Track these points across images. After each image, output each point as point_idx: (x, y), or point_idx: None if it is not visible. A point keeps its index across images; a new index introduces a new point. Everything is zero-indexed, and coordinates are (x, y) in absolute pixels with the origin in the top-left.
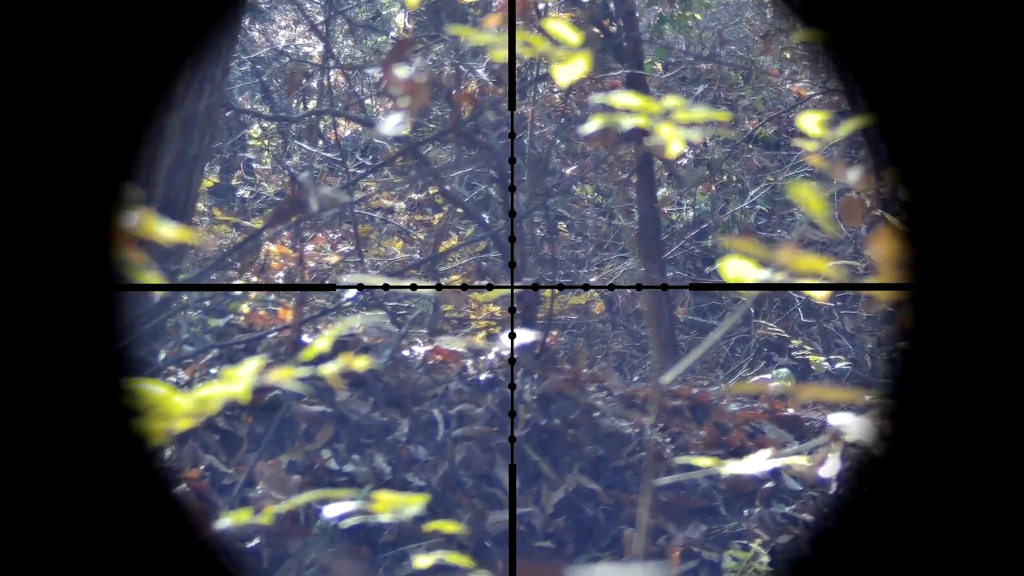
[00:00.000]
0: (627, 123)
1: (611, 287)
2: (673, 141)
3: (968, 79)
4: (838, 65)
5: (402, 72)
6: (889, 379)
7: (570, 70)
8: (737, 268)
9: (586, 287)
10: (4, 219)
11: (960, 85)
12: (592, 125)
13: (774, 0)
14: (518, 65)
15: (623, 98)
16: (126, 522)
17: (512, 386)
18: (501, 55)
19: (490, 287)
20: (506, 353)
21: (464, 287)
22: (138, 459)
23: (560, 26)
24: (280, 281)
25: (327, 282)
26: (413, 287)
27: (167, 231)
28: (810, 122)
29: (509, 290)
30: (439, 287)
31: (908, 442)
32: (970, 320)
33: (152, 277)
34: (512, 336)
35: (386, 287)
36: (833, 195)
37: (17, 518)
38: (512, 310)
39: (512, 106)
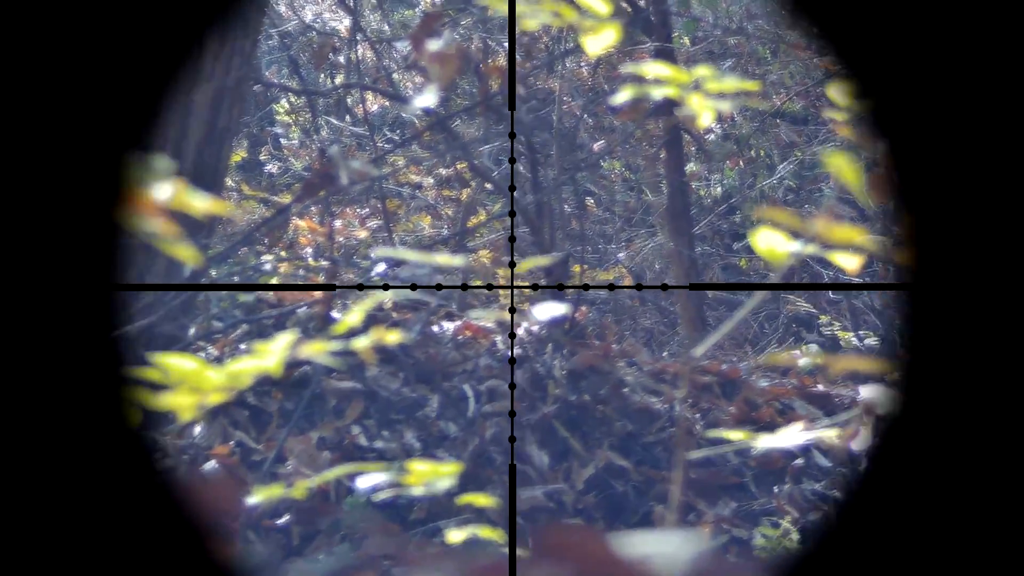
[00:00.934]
0: (657, 93)
1: (611, 287)
2: (704, 111)
3: (968, 76)
4: (837, 57)
5: (433, 44)
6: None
7: (600, 40)
8: (769, 240)
9: (585, 287)
10: (4, 219)
11: (960, 82)
12: (623, 95)
13: None
14: (545, 38)
15: (653, 68)
16: (126, 522)
17: (512, 386)
18: (533, 24)
19: (490, 287)
20: (535, 328)
21: (464, 287)
22: (138, 459)
23: None
24: (309, 257)
25: (356, 258)
26: (413, 287)
27: (201, 203)
28: (839, 92)
29: (509, 290)
30: (439, 287)
31: (906, 442)
32: (971, 320)
33: (185, 250)
34: (512, 336)
35: (386, 287)
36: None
37: (17, 519)
38: (512, 310)
39: (512, 106)
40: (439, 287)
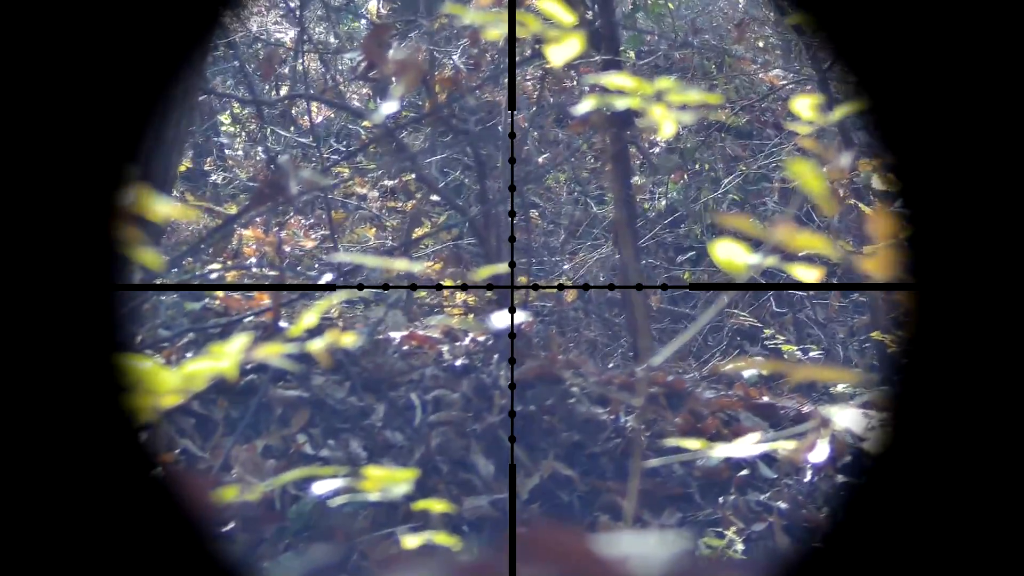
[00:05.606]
0: (620, 104)
1: (611, 287)
2: (665, 122)
3: (968, 74)
4: (834, 57)
5: (396, 53)
6: (890, 377)
7: (564, 50)
8: (729, 250)
9: (586, 287)
10: (4, 219)
11: (961, 80)
12: (585, 105)
13: None
14: (491, 52)
15: (616, 79)
16: (127, 522)
17: (512, 386)
18: (496, 34)
19: (490, 287)
20: (482, 339)
21: (465, 287)
22: (139, 459)
23: (554, 5)
24: (253, 266)
25: (300, 268)
26: (413, 287)
27: (162, 208)
28: (803, 106)
29: (509, 289)
30: (439, 287)
31: (904, 443)
32: (971, 320)
33: (148, 256)
34: (512, 336)
35: (386, 287)
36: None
37: (17, 519)
38: (512, 310)
39: (512, 106)
40: (439, 287)
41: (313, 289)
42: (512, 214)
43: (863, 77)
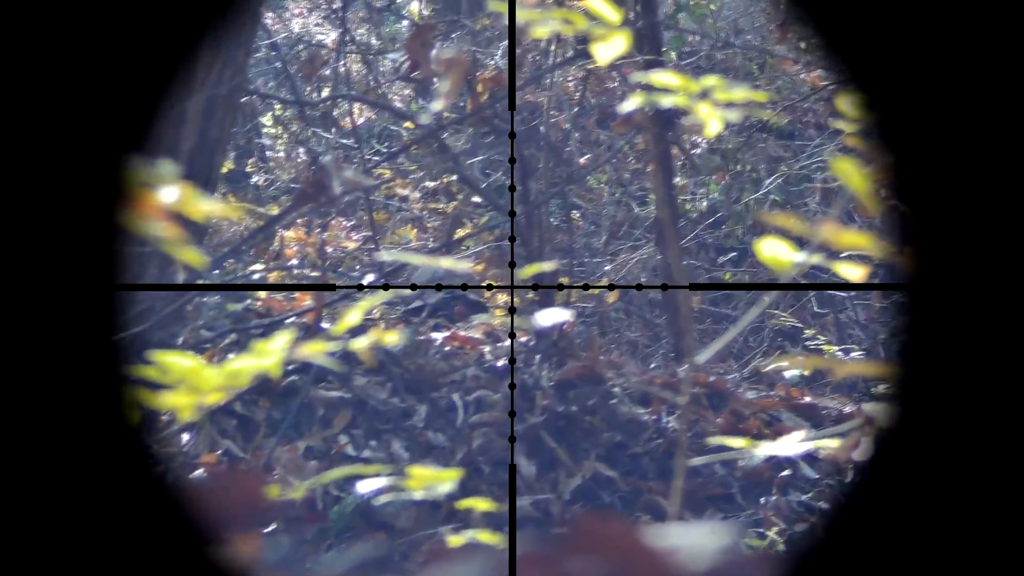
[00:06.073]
0: (666, 102)
1: (610, 287)
2: (712, 120)
3: (969, 74)
4: (835, 57)
5: (444, 53)
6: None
7: (610, 48)
8: (774, 248)
9: (586, 287)
10: (4, 219)
11: (961, 80)
12: (631, 103)
13: None
14: (533, 53)
15: (662, 77)
16: (127, 522)
17: (512, 386)
18: (542, 32)
19: (490, 287)
20: (523, 339)
21: (464, 287)
22: (139, 459)
23: (601, 3)
24: (295, 268)
25: (343, 269)
26: (413, 287)
27: (208, 207)
28: (848, 103)
29: (509, 289)
30: (439, 287)
31: (903, 446)
32: (971, 320)
33: (190, 254)
34: (512, 336)
35: (386, 287)
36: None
37: (18, 520)
38: (512, 310)
39: (512, 106)
40: (439, 287)
41: (336, 289)
42: (512, 214)
43: (861, 73)
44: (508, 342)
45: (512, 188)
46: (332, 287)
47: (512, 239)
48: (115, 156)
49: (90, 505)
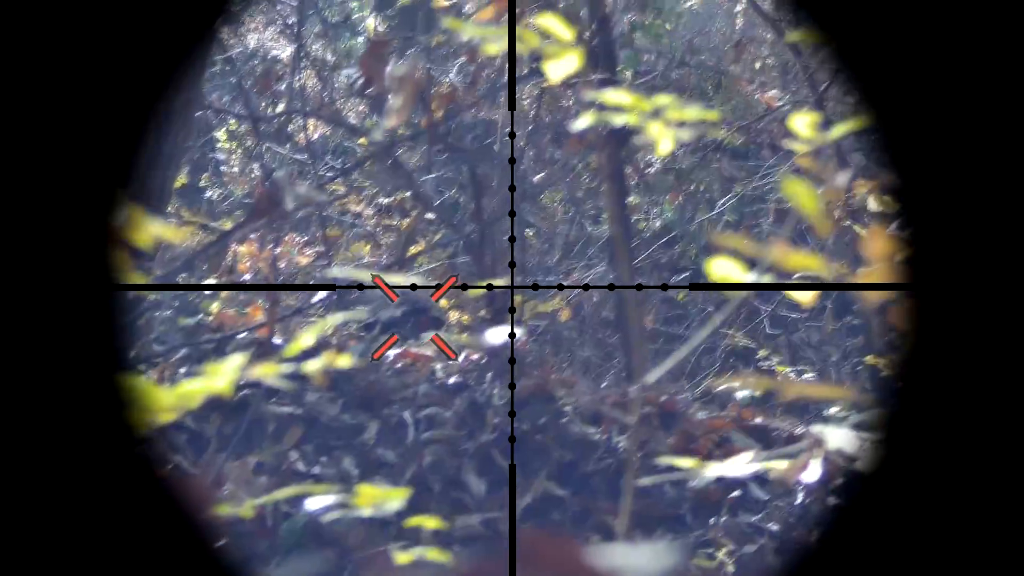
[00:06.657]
0: (618, 120)
1: (610, 287)
2: (663, 139)
3: (968, 75)
4: (833, 62)
5: (397, 69)
6: (882, 386)
7: (562, 66)
8: (725, 268)
9: (586, 288)
10: (4, 219)
11: (960, 81)
12: (583, 121)
13: (747, 9)
14: (488, 70)
15: (614, 95)
16: (127, 521)
17: (512, 386)
18: (495, 49)
19: (490, 287)
20: (475, 357)
21: (465, 287)
22: (139, 459)
23: (554, 21)
24: (248, 283)
25: (297, 283)
26: (413, 287)
27: (155, 229)
28: (802, 123)
29: (509, 289)
30: (438, 287)
31: (901, 450)
32: (970, 321)
33: (137, 277)
34: (512, 336)
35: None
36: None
37: (17, 520)
38: (512, 310)
39: (512, 105)
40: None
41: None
42: (512, 213)
43: (861, 81)
44: (459, 359)
45: (512, 188)
46: (332, 287)
47: (512, 239)
48: (115, 154)
49: (90, 505)
